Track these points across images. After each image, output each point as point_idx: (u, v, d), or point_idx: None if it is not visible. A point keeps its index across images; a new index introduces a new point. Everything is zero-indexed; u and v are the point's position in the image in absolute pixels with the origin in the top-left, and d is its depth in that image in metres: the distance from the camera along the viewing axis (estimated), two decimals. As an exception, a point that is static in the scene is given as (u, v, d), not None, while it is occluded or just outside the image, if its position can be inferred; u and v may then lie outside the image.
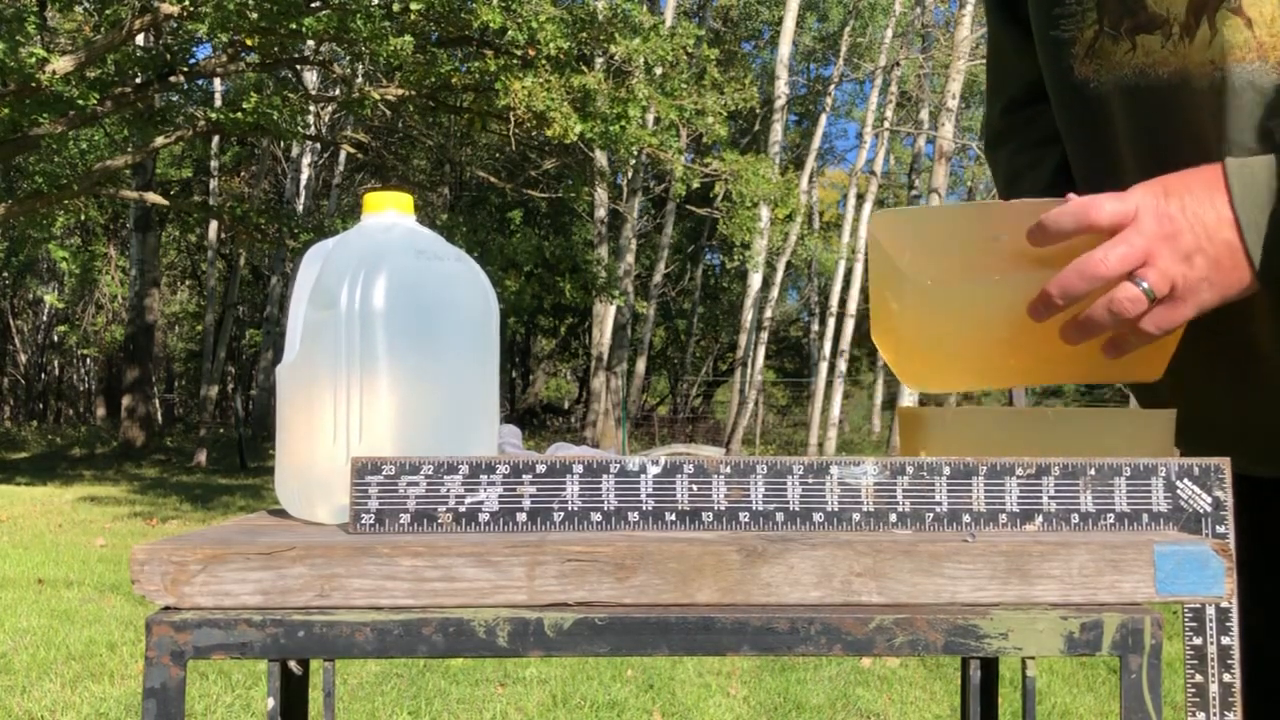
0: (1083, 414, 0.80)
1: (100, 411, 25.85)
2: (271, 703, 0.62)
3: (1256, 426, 0.92)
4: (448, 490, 0.66)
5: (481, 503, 0.66)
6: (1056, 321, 0.79)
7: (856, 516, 0.66)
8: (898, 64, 19.17)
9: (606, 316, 18.21)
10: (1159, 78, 0.88)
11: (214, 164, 19.98)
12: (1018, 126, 1.12)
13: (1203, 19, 0.85)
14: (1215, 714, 0.71)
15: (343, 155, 19.39)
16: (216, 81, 17.06)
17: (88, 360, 28.80)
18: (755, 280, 18.54)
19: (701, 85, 12.42)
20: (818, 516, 0.66)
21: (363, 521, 0.65)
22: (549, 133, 10.15)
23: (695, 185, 14.91)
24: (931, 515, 0.67)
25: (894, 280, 0.84)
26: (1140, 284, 0.76)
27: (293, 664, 0.72)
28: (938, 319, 0.83)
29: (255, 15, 9.12)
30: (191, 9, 9.36)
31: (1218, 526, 0.68)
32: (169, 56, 10.92)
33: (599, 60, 11.60)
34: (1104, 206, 0.77)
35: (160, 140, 11.71)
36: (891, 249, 0.84)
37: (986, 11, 1.13)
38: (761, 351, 19.12)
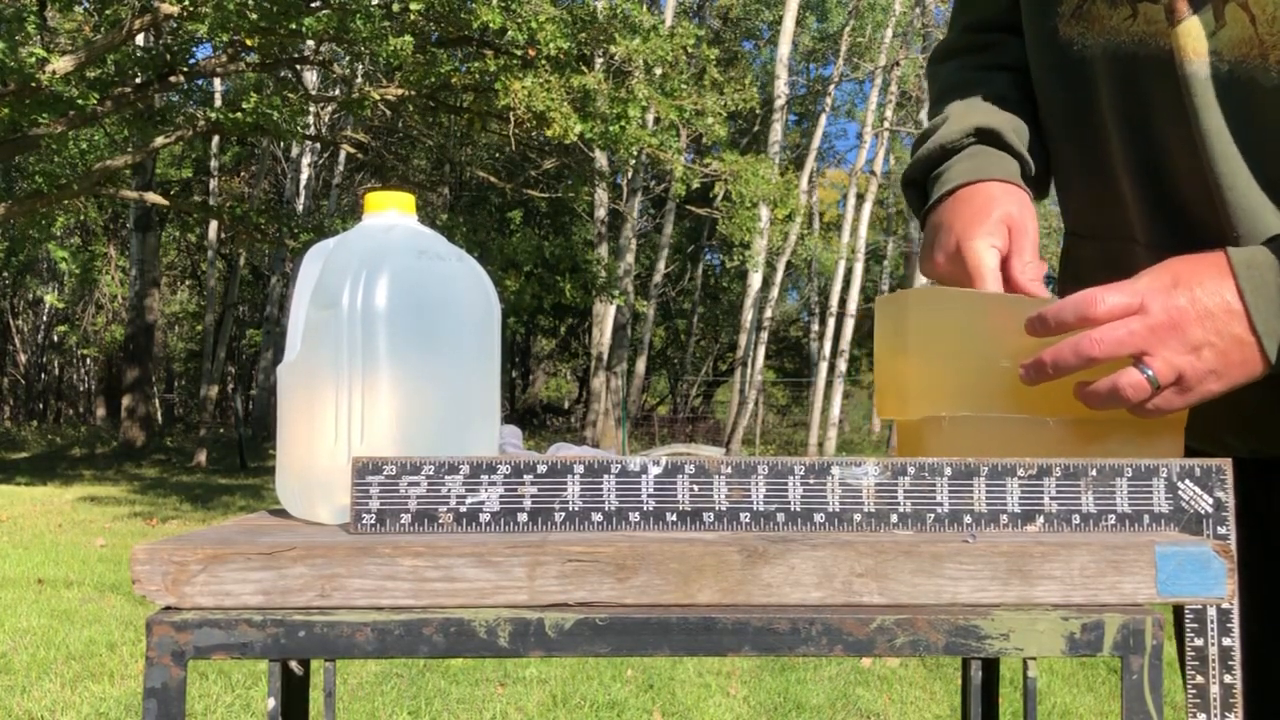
0: (1081, 422, 0.80)
1: (100, 411, 25.85)
2: (272, 703, 0.62)
3: (1238, 396, 0.92)
4: (449, 490, 0.65)
5: (482, 503, 0.66)
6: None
7: (858, 517, 0.66)
8: (898, 64, 19.17)
9: (606, 316, 18.22)
10: (1159, 49, 0.87)
11: (214, 164, 19.99)
12: (975, 46, 1.10)
13: (1207, 5, 0.84)
14: (1216, 715, 0.71)
15: (343, 155, 19.39)
16: (216, 81, 17.07)
17: (88, 360, 28.80)
18: (755, 280, 18.55)
19: (701, 85, 12.43)
20: (819, 517, 0.66)
21: (364, 521, 0.65)
22: (549, 133, 10.16)
23: (695, 185, 14.92)
24: (933, 516, 0.67)
25: (899, 345, 0.85)
26: (1145, 371, 0.77)
27: (293, 664, 0.72)
28: (942, 364, 0.82)
29: (255, 15, 9.12)
30: (191, 9, 9.35)
31: (1219, 527, 0.68)
32: (169, 56, 10.91)
33: (599, 60, 11.60)
34: (1105, 300, 0.78)
35: (160, 140, 11.71)
36: (897, 329, 0.85)
37: None
38: (761, 351, 19.13)
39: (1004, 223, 0.94)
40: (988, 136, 1.01)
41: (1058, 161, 1.03)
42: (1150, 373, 0.77)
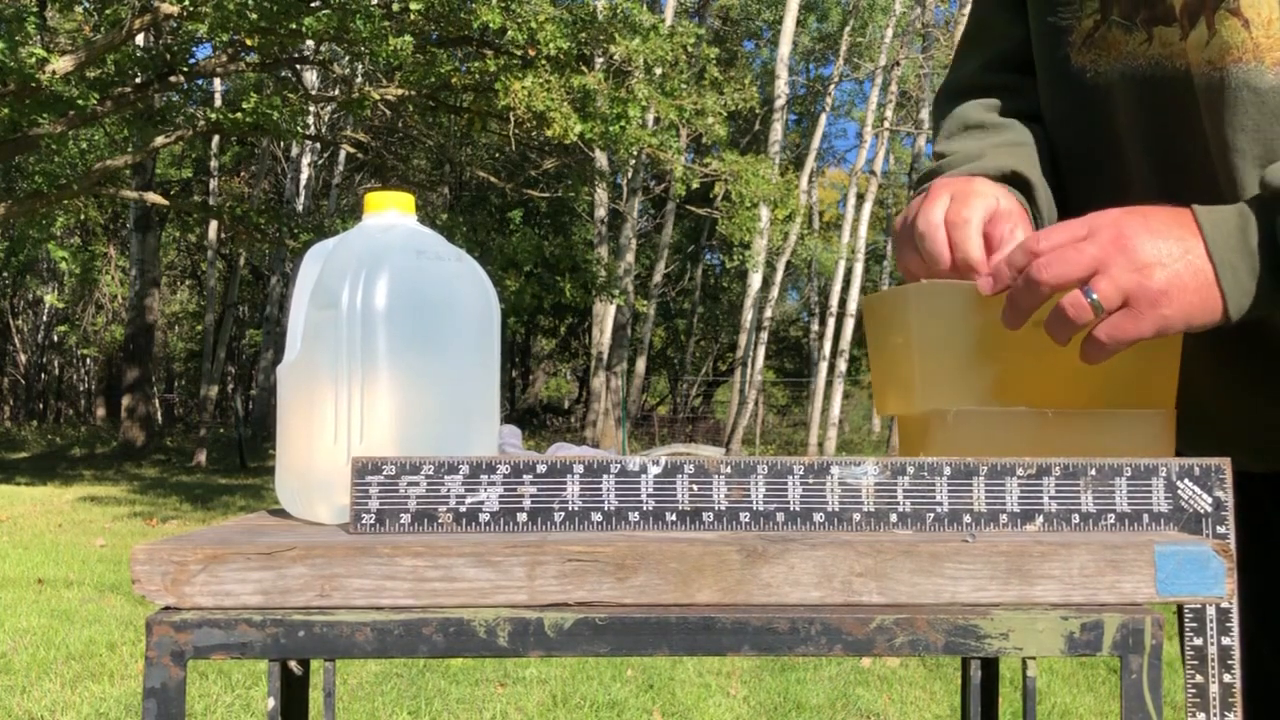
0: (1082, 415, 0.80)
1: (100, 411, 25.86)
2: (271, 703, 0.62)
3: (1251, 421, 0.92)
4: (448, 490, 0.66)
5: (482, 503, 0.66)
6: (1056, 348, 0.79)
7: (857, 517, 0.66)
8: (898, 64, 19.17)
9: (606, 316, 18.22)
10: (1175, 70, 0.88)
11: (214, 164, 19.99)
12: (993, 87, 1.05)
13: (1200, 19, 0.85)
14: (1215, 714, 0.71)
15: (343, 155, 19.39)
16: (216, 81, 17.06)
17: (88, 360, 28.80)
18: (755, 280, 18.55)
19: (701, 85, 12.43)
20: (818, 517, 0.66)
21: (363, 521, 0.65)
22: (549, 133, 10.16)
23: (695, 185, 14.92)
24: (932, 515, 0.67)
25: (899, 340, 0.85)
26: (1090, 295, 0.75)
27: (293, 664, 0.72)
28: (943, 358, 0.83)
29: (255, 15, 9.12)
30: (191, 9, 9.35)
31: (1218, 527, 0.68)
32: (169, 56, 10.92)
33: (599, 60, 11.60)
34: (1051, 234, 0.77)
35: (160, 140, 11.71)
36: (888, 325, 0.86)
37: None
38: (761, 351, 19.13)
39: (994, 209, 0.88)
40: (1020, 184, 0.96)
41: (1074, 198, 1.00)
42: (1094, 296, 0.75)
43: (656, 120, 12.67)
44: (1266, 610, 0.97)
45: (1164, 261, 0.75)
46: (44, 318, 27.72)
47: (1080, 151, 0.99)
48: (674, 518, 0.66)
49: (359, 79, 13.38)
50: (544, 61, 10.07)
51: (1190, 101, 0.87)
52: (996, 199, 0.88)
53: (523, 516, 0.66)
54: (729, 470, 0.66)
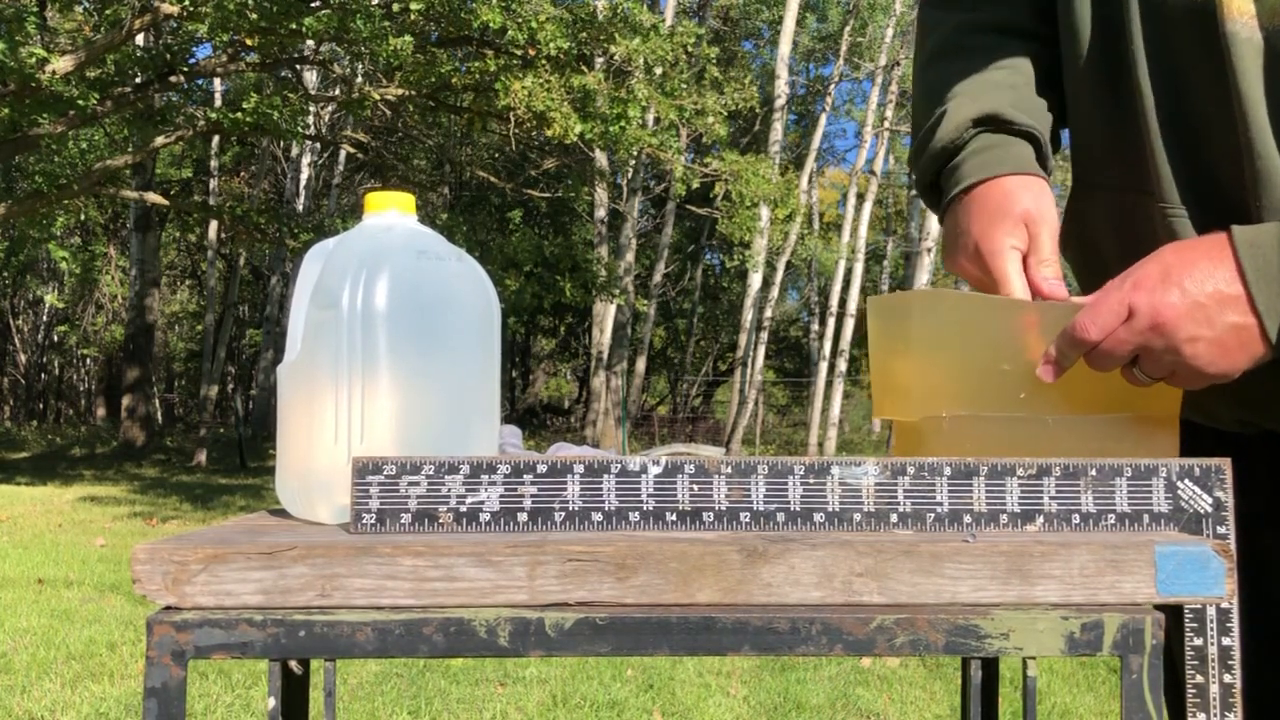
0: (1080, 420, 0.80)
1: (100, 411, 25.86)
2: (272, 702, 0.62)
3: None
4: (449, 490, 0.66)
5: (482, 503, 0.66)
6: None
7: (857, 517, 0.66)
8: (898, 63, 19.17)
9: (606, 316, 18.22)
10: (1202, 3, 0.84)
11: (214, 164, 19.99)
12: None
13: None
14: (1216, 714, 0.71)
15: (343, 155, 19.39)
16: (216, 81, 17.07)
17: (88, 360, 28.80)
18: (755, 280, 18.55)
19: (701, 85, 12.44)
20: (819, 517, 0.66)
21: (364, 521, 0.65)
22: (549, 133, 10.16)
23: (695, 185, 14.93)
24: (932, 515, 0.67)
25: (900, 346, 0.85)
26: (1142, 378, 0.80)
27: (293, 664, 0.72)
28: (943, 366, 0.83)
29: (255, 15, 9.12)
30: (191, 9, 9.35)
31: (1218, 527, 0.68)
32: (169, 56, 10.91)
33: (599, 60, 11.60)
34: (1095, 324, 0.78)
35: (160, 140, 11.71)
36: (894, 328, 0.86)
37: None
38: (761, 351, 19.13)
39: (1021, 220, 0.92)
40: (989, 122, 0.96)
41: (1078, 103, 0.98)
42: (1145, 378, 0.79)
43: (656, 120, 12.67)
44: (1256, 606, 0.96)
45: (1203, 334, 0.77)
46: (44, 318, 27.71)
47: (1090, 63, 0.95)
48: (674, 518, 0.66)
49: (359, 79, 13.36)
50: (544, 61, 10.07)
51: (1211, 39, 0.84)
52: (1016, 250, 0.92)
53: (523, 516, 0.66)
54: (729, 470, 0.67)
